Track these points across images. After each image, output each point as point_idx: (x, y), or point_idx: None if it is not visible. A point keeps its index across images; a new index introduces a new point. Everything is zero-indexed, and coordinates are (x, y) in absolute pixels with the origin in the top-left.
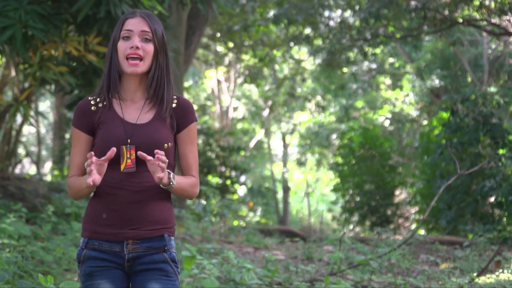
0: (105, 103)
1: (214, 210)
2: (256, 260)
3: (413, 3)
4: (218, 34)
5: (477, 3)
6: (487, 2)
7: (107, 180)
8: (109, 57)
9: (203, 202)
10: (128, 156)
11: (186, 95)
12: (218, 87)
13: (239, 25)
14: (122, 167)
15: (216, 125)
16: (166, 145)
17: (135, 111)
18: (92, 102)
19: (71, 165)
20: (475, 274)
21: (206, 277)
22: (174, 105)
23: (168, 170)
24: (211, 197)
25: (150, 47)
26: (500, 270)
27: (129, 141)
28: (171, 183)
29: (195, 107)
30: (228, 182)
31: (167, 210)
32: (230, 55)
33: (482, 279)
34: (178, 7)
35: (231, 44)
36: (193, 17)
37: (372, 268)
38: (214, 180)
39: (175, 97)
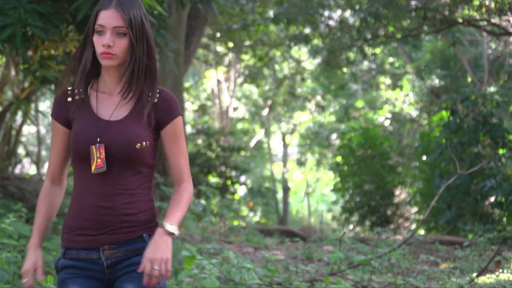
0: (81, 96)
1: (214, 210)
2: (256, 260)
3: (413, 3)
4: (218, 34)
5: (477, 3)
6: (487, 2)
7: (77, 185)
8: (81, 47)
9: (203, 202)
10: (98, 155)
11: (186, 95)
12: (218, 87)
13: (238, 24)
14: (93, 167)
15: (216, 125)
16: (138, 144)
17: (111, 105)
18: (69, 93)
19: (48, 162)
20: (475, 274)
21: (206, 277)
22: (155, 100)
23: (162, 223)
24: (211, 197)
25: (124, 42)
26: (500, 270)
27: (98, 140)
28: (173, 236)
29: (195, 107)
30: (229, 182)
31: (145, 209)
32: (230, 55)
33: (482, 279)
34: (178, 7)
35: (231, 44)
36: (193, 17)
37: (372, 268)
38: (214, 180)
39: (157, 90)
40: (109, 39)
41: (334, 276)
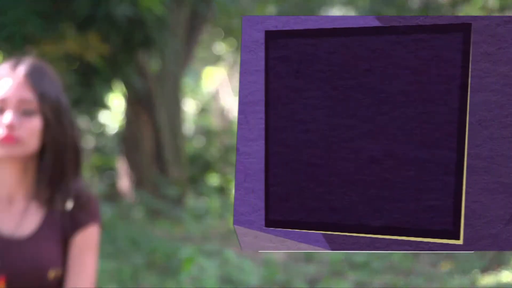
0: None
1: (214, 210)
2: (256, 260)
3: (413, 3)
4: (219, 34)
5: (480, 3)
6: (489, 2)
7: None
8: None
9: (203, 202)
10: None
11: (186, 95)
12: (218, 87)
13: (239, 20)
14: None
15: (216, 125)
16: (52, 272)
17: (13, 216)
18: None
19: None
20: (476, 274)
21: (206, 278)
22: (72, 203)
23: None
24: (211, 198)
25: (34, 124)
26: (501, 270)
27: None
28: None
29: (195, 107)
30: (229, 182)
31: None
32: (230, 55)
33: (483, 279)
34: (178, 7)
35: (231, 44)
36: (193, 17)
37: (372, 268)
38: (214, 180)
39: (76, 190)
40: (12, 118)
41: (334, 276)
